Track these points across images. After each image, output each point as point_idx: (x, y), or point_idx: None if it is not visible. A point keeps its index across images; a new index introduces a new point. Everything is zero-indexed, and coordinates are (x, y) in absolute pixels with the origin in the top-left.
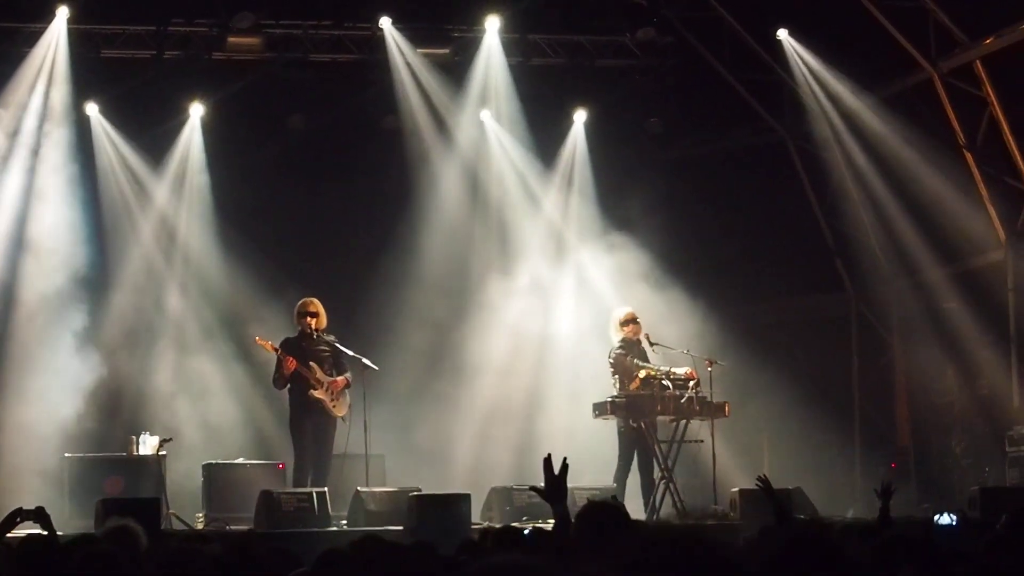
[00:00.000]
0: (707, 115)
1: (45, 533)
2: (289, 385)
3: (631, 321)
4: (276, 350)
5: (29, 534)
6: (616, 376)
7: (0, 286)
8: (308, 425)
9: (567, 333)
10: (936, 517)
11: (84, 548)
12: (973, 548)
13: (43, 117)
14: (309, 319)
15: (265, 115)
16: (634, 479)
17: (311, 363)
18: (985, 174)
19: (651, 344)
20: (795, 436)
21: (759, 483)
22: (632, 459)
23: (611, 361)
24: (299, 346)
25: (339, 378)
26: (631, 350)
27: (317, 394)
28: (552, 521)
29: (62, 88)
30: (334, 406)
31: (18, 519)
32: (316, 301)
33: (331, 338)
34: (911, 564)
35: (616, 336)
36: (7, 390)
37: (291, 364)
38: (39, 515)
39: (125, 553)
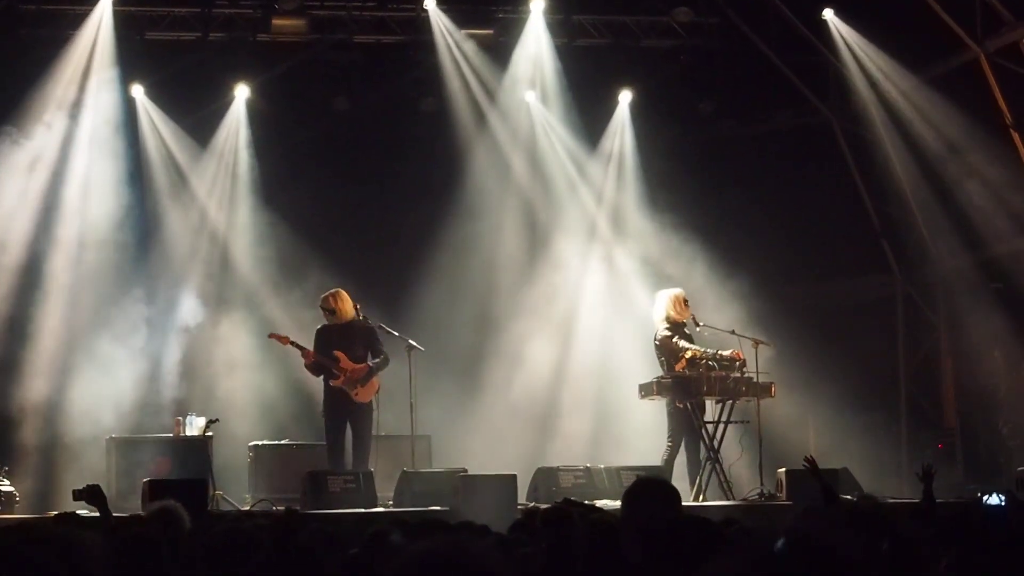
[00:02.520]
0: (752, 96)
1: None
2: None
3: (680, 302)
4: (292, 343)
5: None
6: (662, 358)
7: (48, 270)
8: (338, 413)
9: (613, 315)
10: (984, 498)
11: (129, 529)
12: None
13: (88, 100)
14: (326, 314)
15: (310, 97)
16: (681, 459)
17: (336, 352)
18: None
19: (697, 325)
20: (841, 417)
21: (806, 464)
22: (681, 440)
23: (657, 343)
24: (330, 335)
25: (360, 365)
26: (677, 332)
27: (336, 383)
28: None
29: (107, 71)
30: (356, 393)
31: (76, 501)
32: (330, 297)
33: (371, 322)
34: (957, 547)
35: (663, 318)
36: (55, 372)
37: (307, 355)
38: (92, 493)
39: (170, 534)
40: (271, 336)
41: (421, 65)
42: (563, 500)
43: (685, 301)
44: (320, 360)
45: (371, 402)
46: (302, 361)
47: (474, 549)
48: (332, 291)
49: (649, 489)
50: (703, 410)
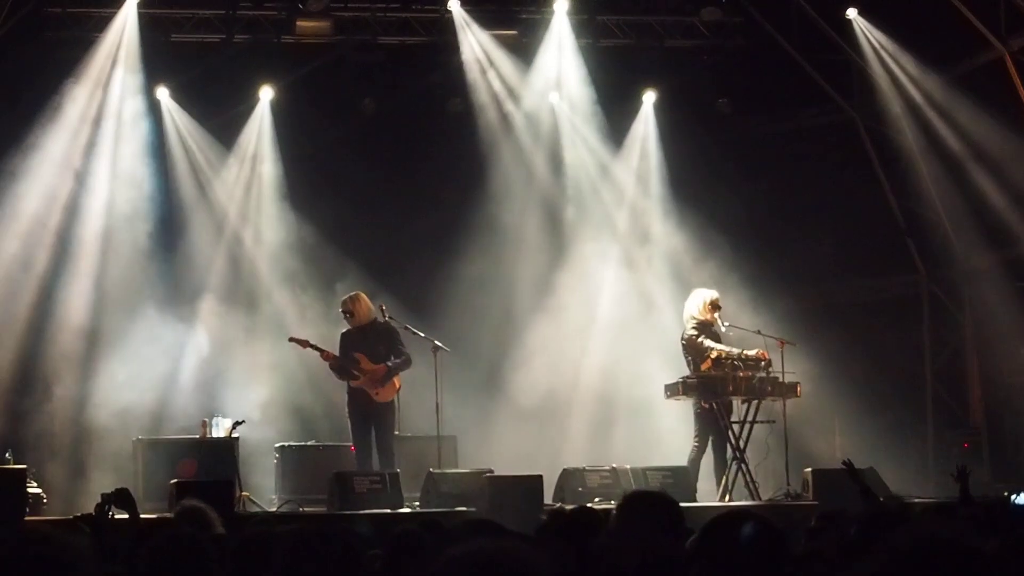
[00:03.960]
0: (776, 95)
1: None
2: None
3: (707, 304)
4: (311, 346)
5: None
6: (689, 357)
7: (73, 273)
8: (359, 412)
9: (637, 313)
10: (1012, 497)
11: (164, 530)
12: None
13: (114, 102)
14: (345, 316)
15: (334, 98)
16: (708, 460)
17: (357, 354)
18: None
19: (723, 326)
20: (867, 416)
21: (844, 465)
22: (708, 440)
23: (684, 342)
24: (351, 338)
25: (379, 365)
26: (704, 331)
27: (356, 384)
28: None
29: (132, 73)
30: (376, 393)
31: (106, 507)
32: (348, 300)
33: (393, 323)
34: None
35: (690, 317)
36: (82, 374)
37: (326, 356)
38: (121, 497)
39: (203, 535)
40: (291, 340)
41: (445, 66)
42: (579, 508)
43: (713, 303)
44: (341, 362)
45: (392, 402)
46: (326, 363)
47: (518, 551)
48: (351, 294)
49: (644, 504)
50: (730, 410)
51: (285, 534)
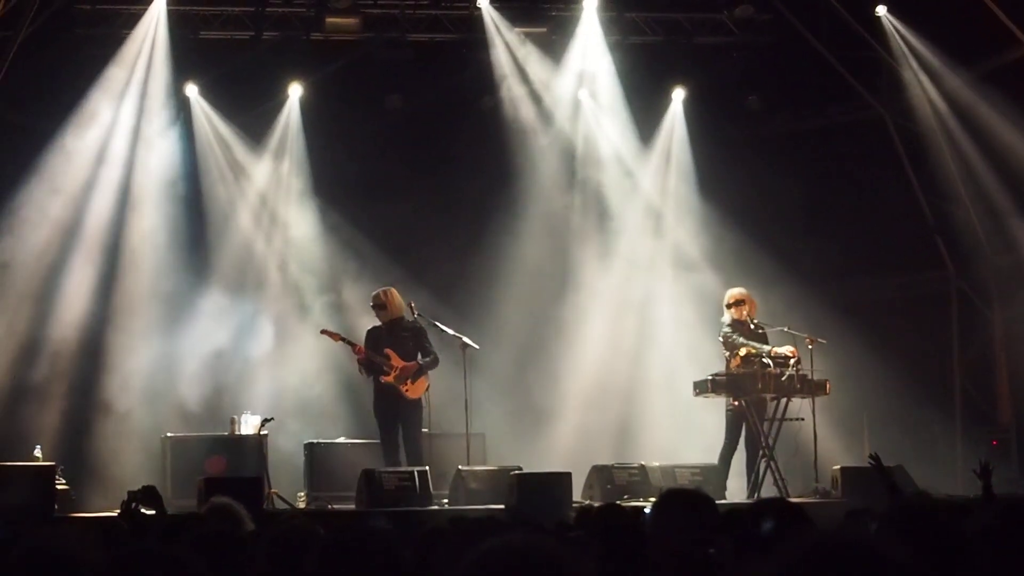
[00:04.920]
0: (805, 92)
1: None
2: (371, 374)
3: (739, 302)
4: (343, 340)
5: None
6: (726, 353)
7: (105, 268)
8: (388, 410)
9: (665, 312)
10: None
11: (194, 527)
12: None
13: (143, 99)
14: (380, 312)
15: (363, 95)
16: (740, 457)
17: (387, 349)
18: None
19: (753, 325)
20: (896, 414)
21: (871, 461)
22: (739, 437)
23: (720, 340)
24: (379, 335)
25: (411, 362)
26: (739, 329)
27: (386, 379)
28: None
29: (162, 70)
30: (407, 389)
31: (133, 504)
32: (381, 294)
33: (421, 321)
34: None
35: (726, 315)
36: (112, 372)
37: (359, 351)
38: (148, 494)
39: (234, 532)
40: (323, 332)
41: (474, 64)
42: (607, 505)
43: (738, 302)
44: (371, 357)
45: (420, 399)
46: (355, 359)
47: (547, 546)
48: (383, 288)
49: (678, 501)
50: (763, 409)
51: (319, 534)
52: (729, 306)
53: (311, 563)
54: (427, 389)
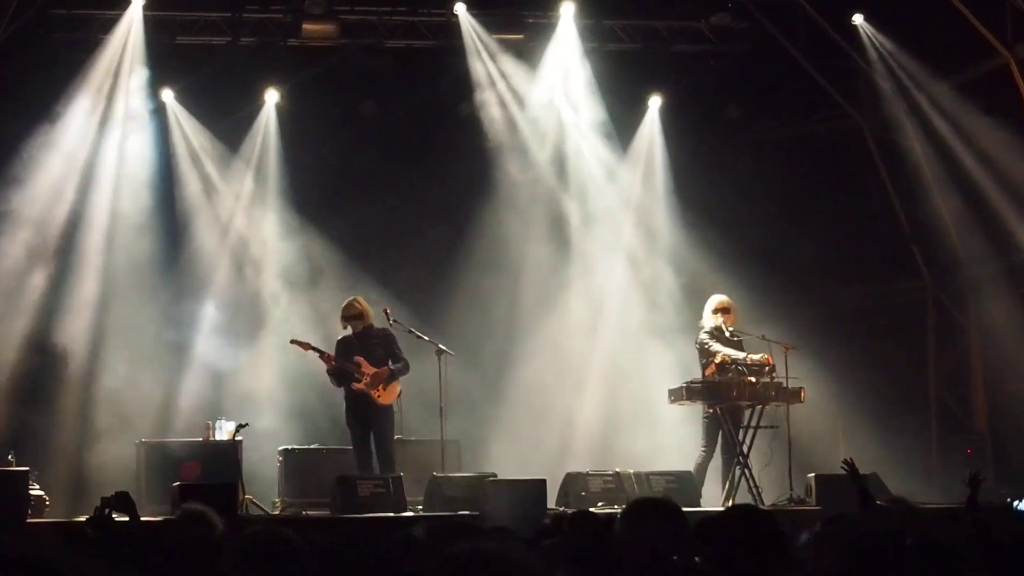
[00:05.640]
0: (782, 101)
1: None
2: (341, 382)
3: (725, 310)
4: (313, 349)
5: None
6: (702, 360)
7: (78, 274)
8: (361, 418)
9: (642, 319)
10: (1015, 503)
11: (169, 534)
12: None
13: (119, 104)
14: (353, 322)
15: (340, 102)
16: (716, 464)
17: (356, 357)
18: None
19: (729, 333)
20: (871, 422)
21: (845, 466)
22: (715, 445)
23: (697, 346)
24: (350, 344)
25: (382, 368)
26: (716, 336)
27: (358, 386)
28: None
29: (138, 75)
30: (379, 396)
31: (107, 510)
32: (355, 302)
33: (396, 327)
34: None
35: (707, 321)
36: (85, 376)
37: (328, 360)
38: (121, 500)
39: (207, 538)
40: (293, 342)
41: (451, 70)
42: (580, 512)
43: (717, 308)
44: (342, 365)
45: (391, 406)
46: (324, 368)
47: (509, 552)
48: (353, 297)
49: (646, 509)
50: (739, 416)
51: (289, 539)
52: (716, 312)
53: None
54: (399, 395)
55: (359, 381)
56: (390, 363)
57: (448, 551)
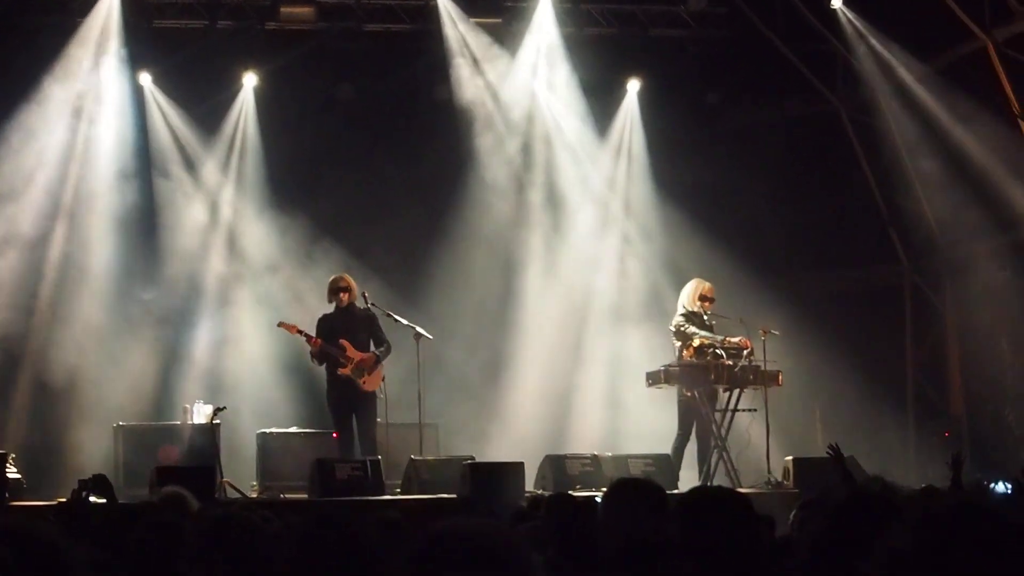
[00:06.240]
0: (760, 86)
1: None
2: (325, 363)
3: (696, 294)
4: (299, 332)
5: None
6: (677, 343)
7: (55, 256)
8: (342, 402)
9: (620, 303)
10: (991, 485)
11: (147, 516)
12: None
13: (96, 88)
14: (342, 294)
15: (318, 85)
16: (691, 448)
17: (341, 340)
18: None
19: (706, 316)
20: (848, 405)
21: (830, 451)
22: (691, 428)
23: (672, 329)
24: (332, 323)
25: (367, 354)
26: (693, 320)
27: (343, 372)
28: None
29: (115, 59)
30: (364, 382)
31: (84, 492)
32: (347, 276)
33: (374, 310)
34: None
35: (682, 305)
36: (62, 358)
37: (315, 343)
38: (98, 483)
39: (180, 521)
40: (280, 325)
41: (429, 54)
42: (558, 494)
43: (703, 295)
44: (326, 349)
45: (376, 391)
46: (307, 348)
47: (493, 529)
48: (341, 274)
49: (628, 490)
50: (715, 399)
51: (258, 521)
52: (701, 299)
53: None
54: (383, 380)
55: (344, 366)
56: (373, 347)
57: (430, 528)
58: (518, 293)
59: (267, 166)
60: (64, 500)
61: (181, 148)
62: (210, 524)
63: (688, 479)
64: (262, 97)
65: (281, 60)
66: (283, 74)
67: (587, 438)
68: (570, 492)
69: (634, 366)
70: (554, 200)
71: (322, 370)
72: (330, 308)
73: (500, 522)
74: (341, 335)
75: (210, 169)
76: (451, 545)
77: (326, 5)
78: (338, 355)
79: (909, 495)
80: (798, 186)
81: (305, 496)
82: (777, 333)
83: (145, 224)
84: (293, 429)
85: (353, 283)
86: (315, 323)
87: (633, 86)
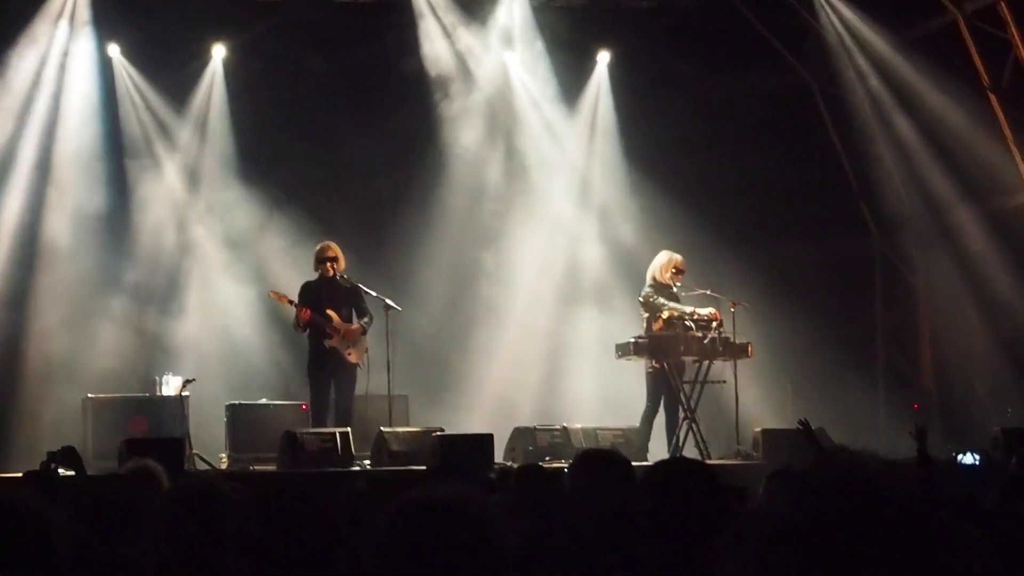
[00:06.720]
0: (731, 58)
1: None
2: (308, 331)
3: (666, 267)
4: (290, 303)
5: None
6: (645, 314)
7: (22, 227)
8: (325, 372)
9: (590, 276)
10: (959, 457)
11: (111, 487)
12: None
13: (64, 59)
14: (329, 264)
15: (288, 57)
16: (661, 420)
17: (328, 311)
18: (1010, 116)
19: (676, 287)
20: (818, 377)
21: (800, 425)
22: (660, 400)
23: (640, 300)
24: (318, 292)
25: (354, 325)
26: (661, 292)
27: (330, 343)
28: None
29: (84, 30)
30: (349, 354)
31: (52, 464)
32: (334, 245)
33: (352, 281)
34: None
35: (651, 277)
36: (30, 329)
37: (305, 314)
38: (67, 455)
39: (147, 494)
40: (272, 294)
41: (399, 26)
42: (527, 465)
43: (675, 269)
44: (315, 319)
45: (359, 364)
46: (282, 320)
47: (465, 497)
48: (327, 242)
49: (595, 461)
50: (683, 371)
51: (224, 492)
52: (675, 271)
53: (235, 524)
54: (367, 352)
55: (331, 337)
56: (356, 318)
57: (403, 496)
58: (487, 264)
59: (236, 136)
60: (32, 471)
61: (151, 120)
62: (179, 495)
63: (658, 451)
64: (231, 68)
65: (251, 32)
66: (252, 46)
67: (557, 410)
68: (539, 463)
69: (605, 338)
70: (524, 171)
71: (294, 341)
72: (312, 277)
73: (473, 489)
74: (326, 305)
75: (179, 140)
76: (425, 512)
77: None
78: (325, 325)
79: (871, 461)
80: (768, 158)
81: (275, 468)
82: (747, 305)
83: (113, 196)
84: (263, 401)
85: (340, 253)
86: (296, 291)
87: (603, 57)
